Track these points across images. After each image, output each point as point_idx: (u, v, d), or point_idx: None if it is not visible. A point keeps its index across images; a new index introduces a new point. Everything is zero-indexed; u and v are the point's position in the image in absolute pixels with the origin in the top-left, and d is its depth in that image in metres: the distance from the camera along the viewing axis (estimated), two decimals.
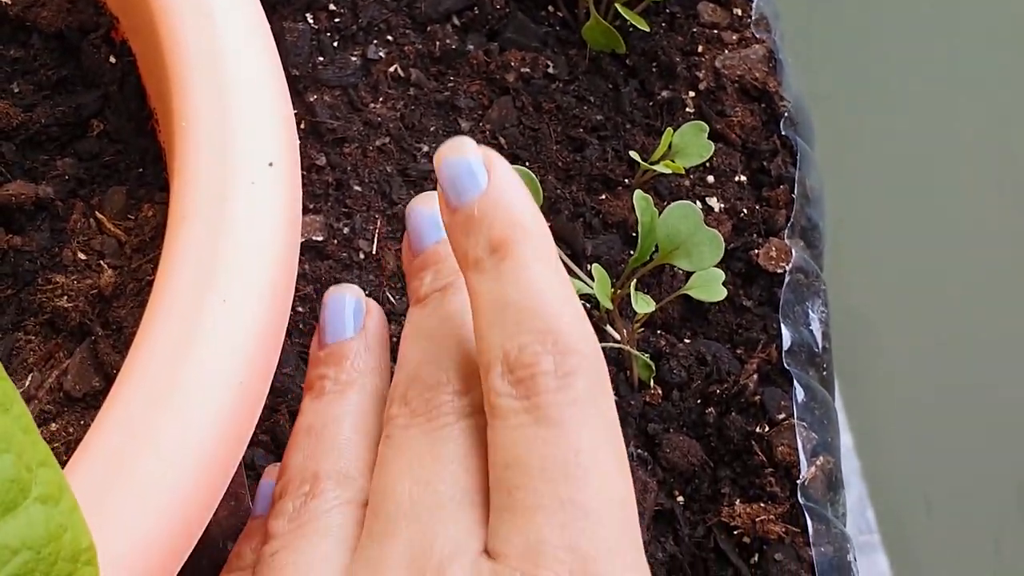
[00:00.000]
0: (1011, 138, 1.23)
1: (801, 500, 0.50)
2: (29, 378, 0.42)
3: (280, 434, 0.53)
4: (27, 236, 0.45)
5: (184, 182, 0.40)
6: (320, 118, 0.61)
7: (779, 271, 0.56)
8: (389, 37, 0.64)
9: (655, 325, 0.57)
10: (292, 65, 0.62)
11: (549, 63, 0.63)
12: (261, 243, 0.39)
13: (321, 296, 0.57)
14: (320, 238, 0.58)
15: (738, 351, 0.56)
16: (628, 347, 0.54)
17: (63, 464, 0.34)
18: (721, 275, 0.52)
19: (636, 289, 0.51)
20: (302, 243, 0.58)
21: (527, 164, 0.61)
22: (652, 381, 0.55)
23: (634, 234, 0.58)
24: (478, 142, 0.38)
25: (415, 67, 0.63)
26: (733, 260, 0.58)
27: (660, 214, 0.51)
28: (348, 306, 0.43)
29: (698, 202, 0.60)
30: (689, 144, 0.57)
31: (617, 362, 0.56)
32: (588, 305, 0.57)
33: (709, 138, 0.56)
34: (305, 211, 0.59)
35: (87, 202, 0.46)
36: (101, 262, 0.44)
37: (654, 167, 0.55)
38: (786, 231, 0.57)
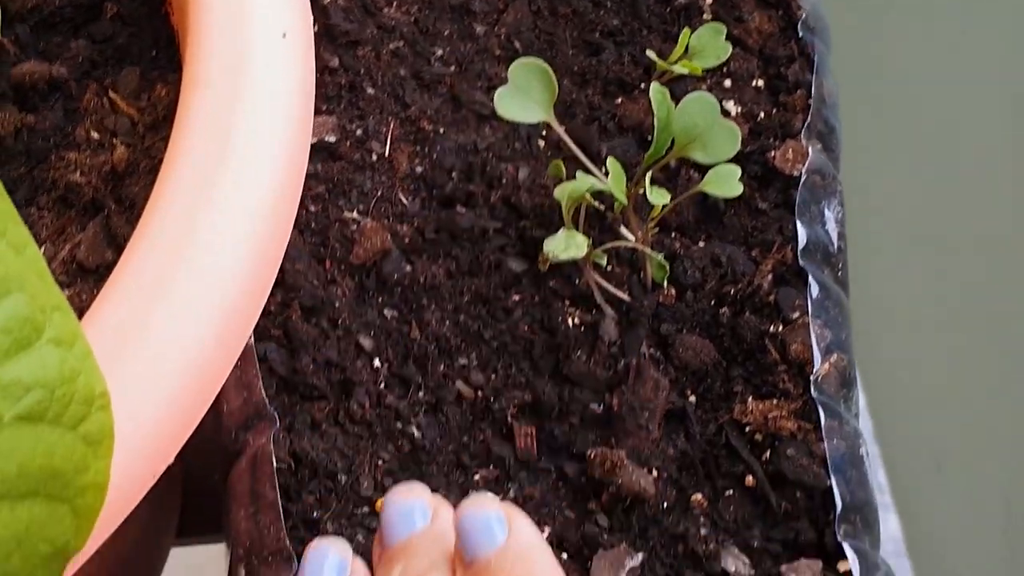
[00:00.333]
0: None
1: (815, 394, 0.50)
2: (42, 250, 0.42)
3: (292, 329, 0.53)
4: (40, 115, 0.45)
5: (198, 52, 0.39)
6: (334, 20, 0.61)
7: (795, 173, 0.56)
8: None
9: (670, 228, 0.57)
10: None
11: None
12: (275, 110, 0.38)
13: (333, 196, 0.57)
14: (333, 139, 0.58)
15: (753, 253, 0.56)
16: (642, 247, 0.54)
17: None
18: (737, 171, 0.52)
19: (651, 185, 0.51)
20: (315, 143, 0.58)
21: None
22: (666, 282, 0.55)
23: (649, 138, 0.58)
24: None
25: None
26: (749, 163, 0.57)
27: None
28: (329, 567, 0.41)
29: None
30: (706, 45, 0.56)
31: (631, 263, 0.56)
32: (603, 206, 0.56)
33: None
34: (318, 112, 0.59)
35: (100, 83, 0.46)
36: (114, 140, 0.44)
37: (672, 67, 0.55)
38: (803, 133, 0.57)
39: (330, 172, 0.57)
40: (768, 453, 0.51)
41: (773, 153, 0.57)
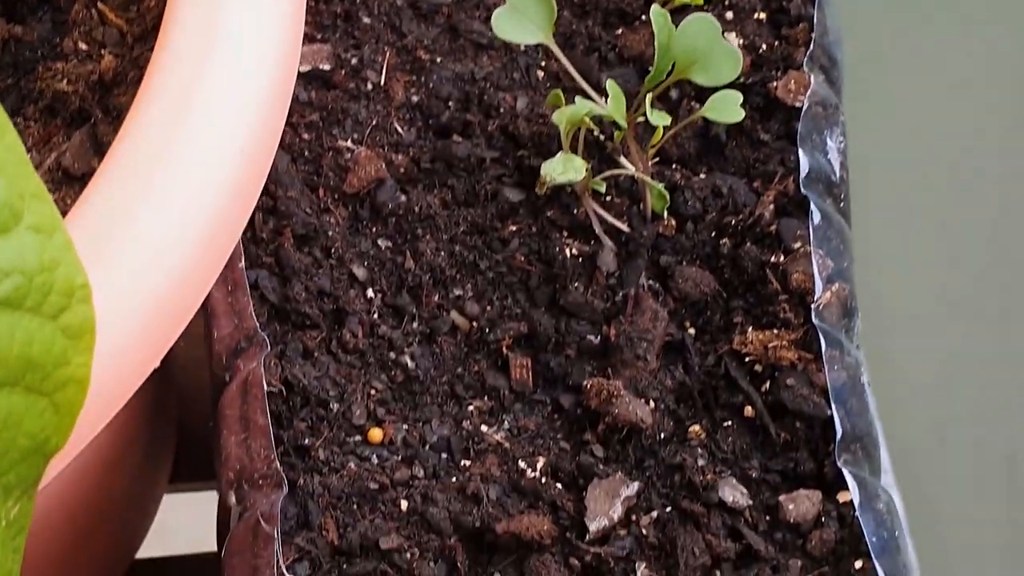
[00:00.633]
0: None
1: (816, 322, 0.49)
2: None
3: (284, 257, 0.52)
4: (28, 26, 0.44)
5: None
6: None
7: (798, 104, 0.55)
8: None
9: (671, 160, 0.56)
10: None
11: None
12: (263, 14, 0.38)
13: (327, 125, 0.56)
14: (327, 67, 0.57)
15: (754, 184, 0.55)
16: (642, 176, 0.53)
17: None
18: (739, 96, 0.51)
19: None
20: (309, 71, 0.57)
21: None
22: (666, 213, 0.54)
23: (650, 68, 0.57)
24: None
25: None
26: (751, 94, 0.56)
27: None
28: None
29: None
30: None
31: (631, 194, 0.55)
32: (603, 136, 0.55)
33: None
34: (312, 40, 0.58)
35: None
36: (102, 51, 0.43)
37: None
38: (805, 64, 0.56)
39: (324, 100, 0.56)
40: (768, 384, 0.50)
41: (775, 84, 0.56)
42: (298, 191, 0.54)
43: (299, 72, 0.56)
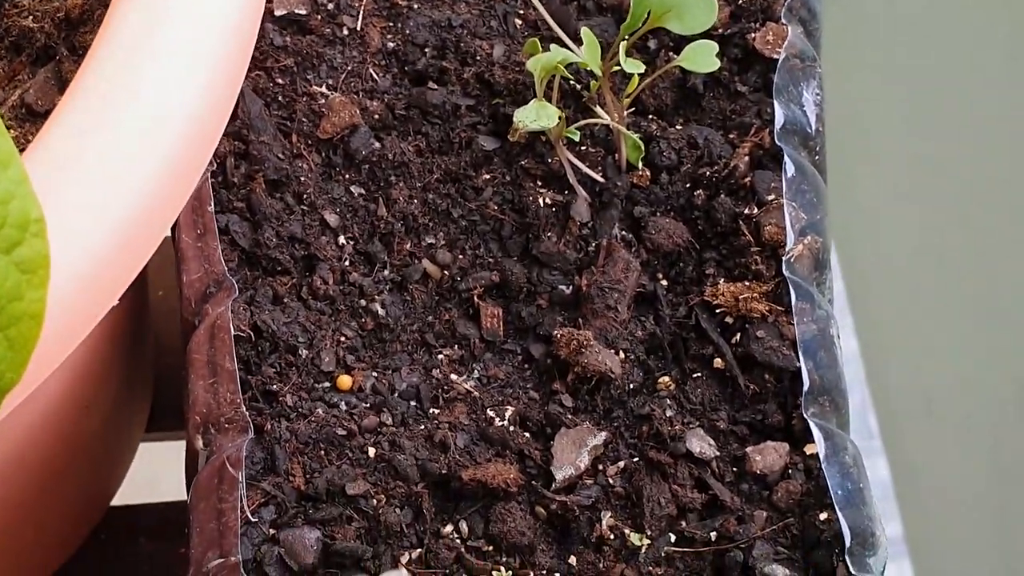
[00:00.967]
0: None
1: (787, 274, 0.49)
2: None
3: (255, 203, 0.52)
4: None
5: None
6: None
7: (775, 56, 0.54)
8: None
9: (647, 111, 0.56)
10: None
11: None
12: None
13: (302, 70, 0.56)
14: (303, 12, 0.56)
15: (730, 135, 0.54)
16: (617, 126, 0.53)
17: None
18: (714, 47, 0.51)
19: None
20: (284, 16, 0.56)
21: None
22: (641, 164, 0.54)
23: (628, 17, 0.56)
24: None
25: None
26: (729, 46, 0.56)
27: None
28: None
29: None
30: None
31: (605, 143, 0.55)
32: (579, 85, 0.55)
33: None
34: None
35: None
36: None
37: None
38: (783, 15, 0.55)
39: (299, 45, 0.56)
40: (738, 335, 0.50)
41: (753, 35, 0.55)
42: (271, 136, 0.53)
43: (274, 16, 0.56)
